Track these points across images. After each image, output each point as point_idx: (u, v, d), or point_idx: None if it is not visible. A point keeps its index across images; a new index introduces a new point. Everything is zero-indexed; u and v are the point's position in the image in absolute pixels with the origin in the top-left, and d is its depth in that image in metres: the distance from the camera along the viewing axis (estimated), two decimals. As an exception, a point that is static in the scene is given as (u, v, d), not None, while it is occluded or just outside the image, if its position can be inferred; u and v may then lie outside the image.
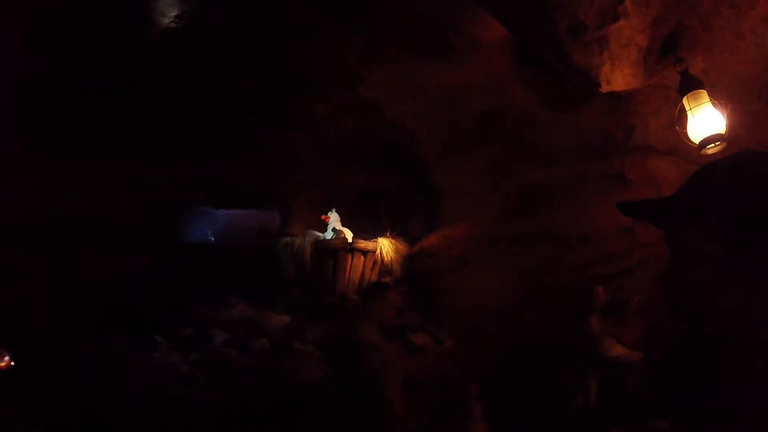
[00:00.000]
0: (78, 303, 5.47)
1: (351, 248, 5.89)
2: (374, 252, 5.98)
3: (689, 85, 4.00)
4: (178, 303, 5.58)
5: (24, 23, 4.27)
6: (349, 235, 6.08)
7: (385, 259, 5.98)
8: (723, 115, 3.86)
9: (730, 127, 3.82)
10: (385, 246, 6.01)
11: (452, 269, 5.50)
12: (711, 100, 3.92)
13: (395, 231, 6.19)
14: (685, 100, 4.04)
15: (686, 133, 4.02)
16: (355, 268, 5.91)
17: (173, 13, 4.50)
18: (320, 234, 6.27)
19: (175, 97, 5.27)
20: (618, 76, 4.20)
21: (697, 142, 3.94)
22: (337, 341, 5.15)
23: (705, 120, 3.91)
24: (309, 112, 5.42)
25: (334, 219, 6.27)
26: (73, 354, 4.97)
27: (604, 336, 4.34)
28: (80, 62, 4.83)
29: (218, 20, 4.62)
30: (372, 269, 6.01)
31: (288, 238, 6.17)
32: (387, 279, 5.92)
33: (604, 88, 4.25)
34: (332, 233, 6.19)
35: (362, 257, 5.94)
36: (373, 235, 6.17)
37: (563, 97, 4.98)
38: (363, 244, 5.94)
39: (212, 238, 6.91)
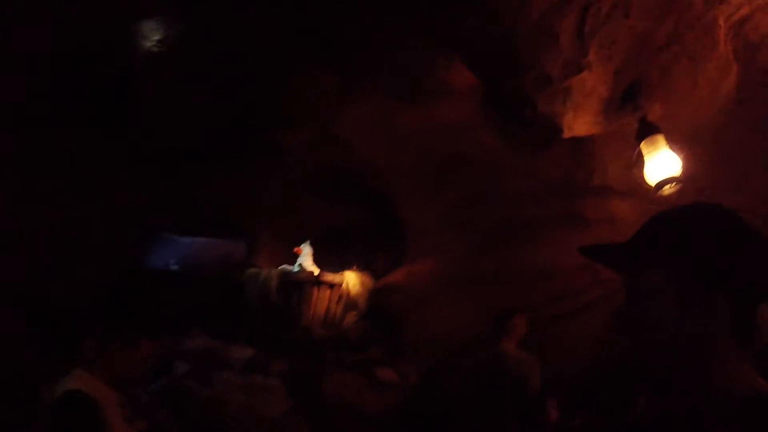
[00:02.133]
0: (32, 328, 5.27)
1: (317, 281, 5.92)
2: (340, 285, 6.02)
3: (647, 131, 4.29)
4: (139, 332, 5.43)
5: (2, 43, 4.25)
6: (314, 269, 6.11)
7: (351, 292, 6.03)
8: (679, 158, 4.15)
9: (686, 169, 4.11)
10: (352, 279, 6.06)
11: (417, 305, 5.57)
12: (668, 144, 4.22)
13: (362, 265, 6.25)
14: (642, 145, 4.30)
15: (643, 175, 4.31)
16: (321, 300, 5.93)
17: (156, 37, 4.54)
18: (289, 267, 6.27)
19: (148, 121, 5.27)
20: (580, 123, 4.48)
21: (654, 184, 4.23)
22: (301, 374, 5.14)
23: (661, 163, 4.19)
24: (281, 145, 5.48)
25: (306, 252, 6.30)
26: (24, 380, 4.77)
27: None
28: (57, 80, 4.82)
29: (199, 48, 4.69)
30: (338, 302, 6.03)
31: (254, 269, 6.15)
32: (353, 313, 5.96)
33: (567, 134, 4.52)
34: (297, 267, 6.20)
35: (328, 290, 5.97)
36: (339, 268, 6.21)
37: (527, 140, 5.21)
38: (330, 277, 5.98)
39: (175, 266, 6.80)
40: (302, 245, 6.33)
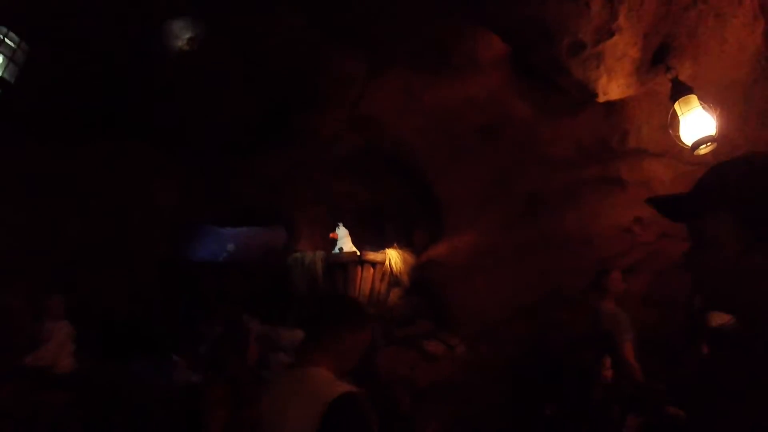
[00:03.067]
0: (89, 326, 5.51)
1: (360, 260, 6.05)
2: (383, 263, 6.15)
3: (680, 90, 4.27)
4: (191, 322, 5.65)
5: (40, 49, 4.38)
6: (355, 250, 6.25)
7: (394, 269, 6.16)
8: (713, 117, 4.15)
9: (720, 128, 4.11)
10: (394, 257, 6.19)
11: (460, 277, 5.67)
12: (701, 104, 4.21)
13: (401, 243, 6.37)
14: (676, 105, 4.31)
15: (679, 135, 4.31)
16: (365, 279, 6.07)
17: (187, 36, 4.66)
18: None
19: (184, 118, 5.43)
20: (614, 87, 4.49)
21: (690, 144, 4.24)
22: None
23: (696, 123, 4.19)
24: (313, 130, 5.58)
25: (341, 235, 6.44)
26: (90, 380, 5.01)
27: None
28: (92, 88, 4.97)
29: (226, 41, 4.79)
30: (381, 280, 6.17)
31: (298, 254, 6.31)
32: (397, 289, 6.10)
33: (601, 98, 4.54)
34: (338, 249, 6.34)
35: (371, 269, 6.11)
36: (378, 247, 6.34)
37: (559, 107, 5.25)
38: (372, 255, 6.11)
39: (227, 254, 6.99)
40: (336, 230, 6.46)
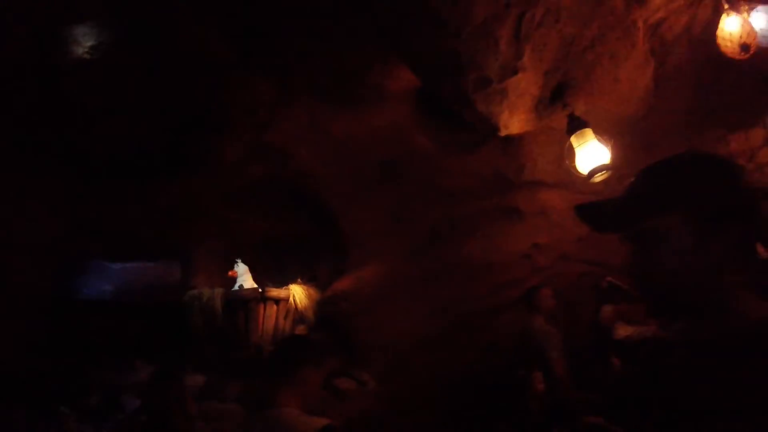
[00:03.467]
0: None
1: (263, 297, 5.74)
2: (287, 300, 5.88)
3: (575, 125, 4.63)
4: (79, 368, 4.99)
5: None
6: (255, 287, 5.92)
7: (299, 305, 5.91)
8: (607, 148, 4.53)
9: (614, 158, 4.50)
10: (298, 293, 5.94)
11: (366, 310, 5.57)
12: (596, 136, 4.59)
13: (305, 278, 6.15)
14: (572, 138, 4.64)
15: (575, 166, 4.65)
16: (268, 317, 5.75)
17: (89, 44, 4.21)
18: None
19: (76, 135, 4.89)
20: (514, 122, 4.73)
21: (586, 173, 4.59)
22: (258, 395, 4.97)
23: (591, 153, 4.55)
24: (217, 156, 5.27)
25: (241, 271, 6.07)
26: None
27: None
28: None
29: (132, 55, 4.41)
30: (285, 317, 5.89)
31: (195, 291, 5.85)
32: (302, 327, 5.85)
33: (502, 132, 4.76)
34: (238, 286, 5.98)
35: (275, 306, 5.80)
36: (281, 283, 6.06)
37: (460, 142, 5.45)
38: (275, 292, 5.82)
39: (111, 292, 6.26)
40: (235, 267, 6.09)
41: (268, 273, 6.25)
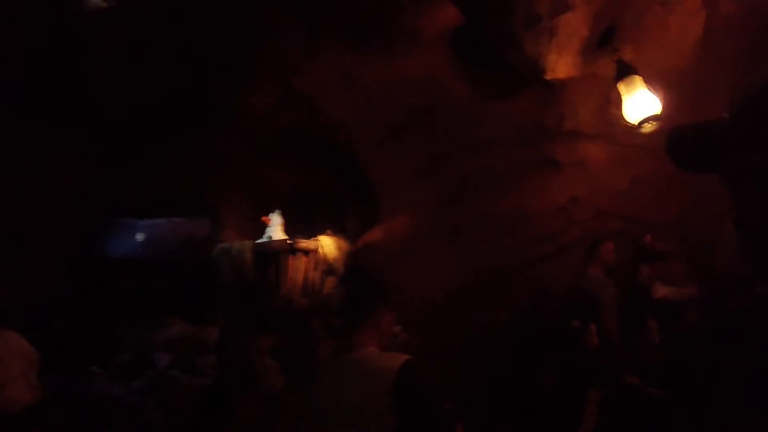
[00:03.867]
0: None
1: (292, 249, 5.61)
2: (316, 251, 5.77)
3: (624, 71, 4.39)
4: (109, 326, 4.90)
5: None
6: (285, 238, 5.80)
7: (328, 257, 5.80)
8: (658, 97, 4.31)
9: (664, 108, 4.28)
10: (327, 244, 5.82)
11: (397, 261, 5.44)
12: (645, 84, 4.36)
13: (333, 229, 6.02)
14: (620, 85, 4.39)
15: (623, 114, 4.44)
16: (298, 269, 5.65)
17: None
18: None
19: (98, 90, 4.68)
20: (561, 65, 4.51)
21: (635, 122, 4.38)
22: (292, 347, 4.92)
23: (641, 102, 4.33)
24: (243, 107, 5.04)
25: (275, 221, 5.92)
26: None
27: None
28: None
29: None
30: (315, 269, 5.78)
31: (224, 244, 5.73)
32: (332, 278, 5.76)
33: (549, 75, 4.55)
34: (267, 237, 5.85)
35: (304, 257, 5.69)
36: (309, 234, 5.93)
37: (497, 88, 5.20)
38: (305, 243, 5.70)
39: (140, 247, 6.14)
40: (270, 215, 5.94)
41: (296, 225, 6.09)
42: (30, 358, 3.61)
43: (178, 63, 4.63)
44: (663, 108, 4.27)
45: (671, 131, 1.12)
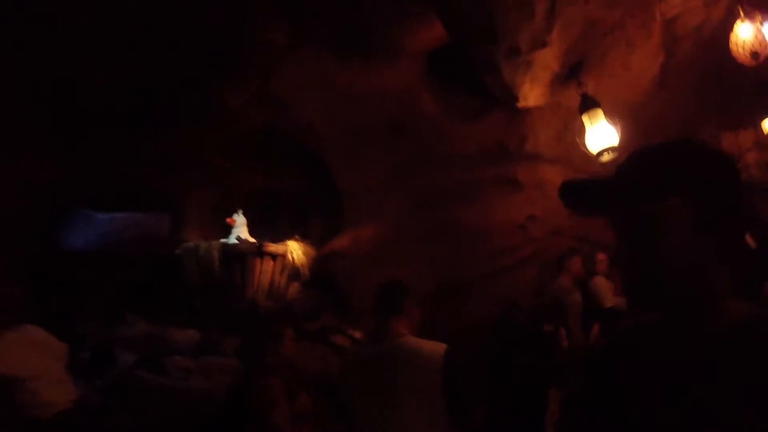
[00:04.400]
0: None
1: (261, 252, 5.65)
2: (284, 255, 5.82)
3: (588, 104, 4.82)
4: (67, 322, 4.71)
5: None
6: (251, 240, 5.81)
7: (296, 261, 5.86)
8: (616, 129, 4.76)
9: (621, 140, 4.74)
10: (295, 249, 5.89)
11: (362, 269, 5.64)
12: (606, 117, 4.81)
13: (296, 234, 6.08)
14: (584, 117, 4.85)
15: (585, 143, 4.87)
16: (265, 272, 5.70)
17: None
18: (225, 240, 5.85)
19: (69, 78, 4.53)
20: (532, 94, 4.90)
21: (595, 152, 4.82)
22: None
23: (601, 133, 4.78)
24: (219, 102, 5.05)
25: (240, 222, 5.91)
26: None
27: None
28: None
29: None
30: (281, 273, 5.83)
31: (191, 243, 5.66)
32: (296, 283, 5.84)
33: (521, 103, 4.92)
34: (236, 239, 5.83)
35: (272, 261, 5.74)
36: (272, 238, 5.97)
37: (464, 109, 5.56)
38: (273, 247, 5.76)
39: (94, 244, 5.87)
40: (235, 215, 5.91)
41: (258, 228, 6.12)
42: (56, 351, 3.47)
43: (155, 54, 4.58)
44: (622, 139, 4.74)
45: (562, 184, 1.16)
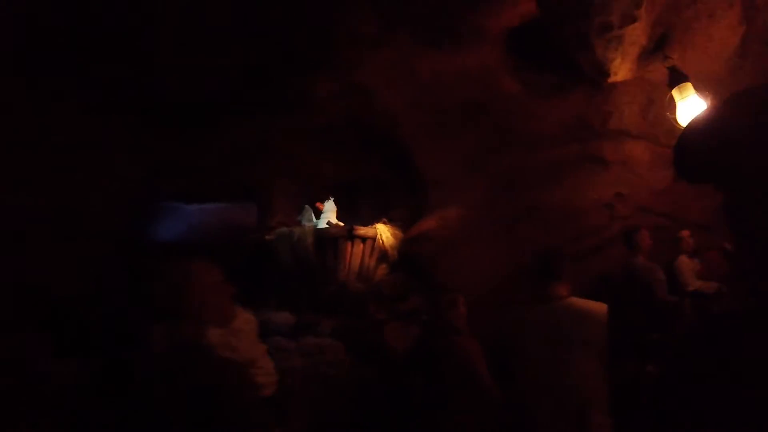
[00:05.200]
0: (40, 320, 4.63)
1: (351, 235, 5.90)
2: (373, 239, 6.08)
3: (677, 78, 4.91)
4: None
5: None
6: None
7: (385, 244, 6.08)
8: (707, 102, 4.79)
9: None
10: (384, 232, 6.14)
11: (449, 250, 5.91)
12: (696, 91, 4.83)
13: (378, 218, 6.31)
14: (674, 91, 4.94)
15: (675, 118, 4.91)
16: (355, 255, 5.99)
17: None
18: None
19: (160, 72, 4.81)
20: (622, 69, 5.06)
21: (685, 126, 4.85)
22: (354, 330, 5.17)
23: (692, 107, 4.82)
24: (309, 93, 5.33)
25: (328, 208, 6.18)
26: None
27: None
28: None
29: None
30: (371, 255, 6.08)
31: (285, 229, 5.96)
32: (384, 265, 6.04)
33: (611, 78, 5.10)
34: (326, 223, 6.12)
35: (362, 244, 6.00)
36: (357, 222, 6.22)
37: (545, 87, 5.68)
38: (363, 230, 6.11)
39: (184, 235, 6.21)
40: (325, 202, 6.19)
41: (341, 213, 6.37)
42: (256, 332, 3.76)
43: (246, 48, 4.84)
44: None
45: (677, 143, 1.06)
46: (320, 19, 4.89)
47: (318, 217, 6.46)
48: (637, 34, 4.83)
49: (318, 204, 6.44)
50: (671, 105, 5.18)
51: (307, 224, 6.22)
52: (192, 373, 1.72)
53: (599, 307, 2.73)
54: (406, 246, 6.25)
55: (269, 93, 5.43)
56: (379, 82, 5.60)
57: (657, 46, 5.17)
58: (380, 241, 6.25)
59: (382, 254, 6.32)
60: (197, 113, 5.47)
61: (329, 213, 6.44)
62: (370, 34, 5.08)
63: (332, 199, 6.49)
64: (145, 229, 6.28)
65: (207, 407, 1.64)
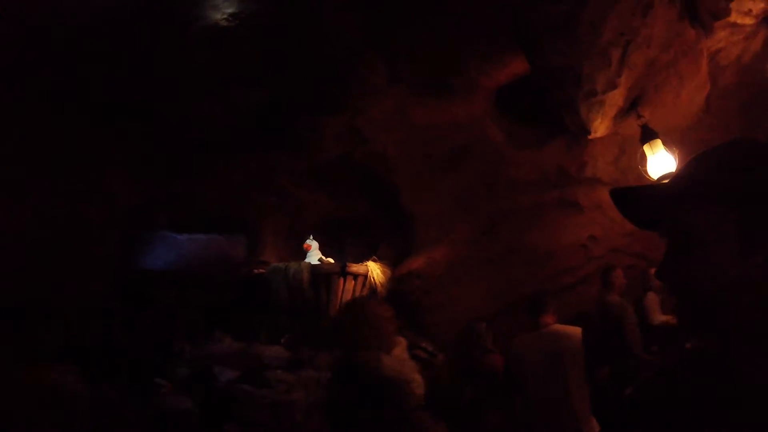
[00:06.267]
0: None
1: (343, 272, 6.22)
2: (365, 275, 6.43)
3: (648, 135, 5.67)
4: (160, 340, 5.19)
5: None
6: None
7: (376, 281, 6.42)
8: (674, 156, 5.43)
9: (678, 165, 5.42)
10: (375, 269, 6.49)
11: (436, 288, 6.47)
12: (664, 147, 5.48)
13: (364, 256, 6.69)
14: (645, 147, 5.65)
15: (646, 170, 5.54)
16: (347, 291, 6.31)
17: (229, 10, 4.38)
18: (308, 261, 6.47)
19: (172, 107, 5.11)
20: (601, 127, 5.83)
21: (656, 178, 5.48)
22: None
23: (661, 161, 5.47)
24: (316, 134, 5.77)
25: (314, 246, 6.49)
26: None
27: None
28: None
29: (268, 27, 4.71)
30: (361, 292, 6.42)
31: (280, 264, 6.24)
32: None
33: (592, 135, 5.95)
34: (318, 260, 6.45)
35: (353, 281, 6.32)
36: (346, 259, 6.58)
37: (527, 137, 6.28)
38: (355, 267, 6.50)
39: (173, 264, 6.39)
40: (307, 240, 6.52)
41: (328, 250, 6.73)
42: None
43: (266, 88, 5.16)
44: (677, 165, 5.41)
45: (612, 190, 1.12)
46: (341, 68, 5.34)
47: (305, 255, 6.85)
48: (616, 98, 5.59)
49: (305, 245, 6.81)
50: (643, 160, 5.85)
51: (302, 261, 6.52)
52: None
53: (576, 330, 4.04)
54: (394, 284, 6.86)
55: (275, 132, 5.78)
56: (378, 127, 6.27)
57: (631, 106, 5.92)
58: (372, 278, 6.76)
59: (372, 291, 6.80)
60: (193, 145, 5.75)
61: (316, 250, 6.88)
62: (378, 85, 5.57)
63: (312, 236, 6.84)
64: (137, 257, 6.58)
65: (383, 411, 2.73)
